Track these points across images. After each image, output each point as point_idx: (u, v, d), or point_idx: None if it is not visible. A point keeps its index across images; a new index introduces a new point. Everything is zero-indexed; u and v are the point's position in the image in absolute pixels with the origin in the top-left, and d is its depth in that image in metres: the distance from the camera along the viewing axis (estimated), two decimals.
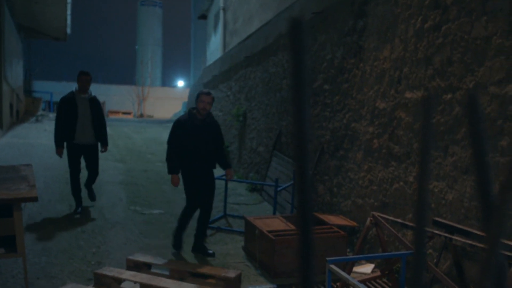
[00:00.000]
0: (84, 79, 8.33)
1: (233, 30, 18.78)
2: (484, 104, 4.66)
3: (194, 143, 6.63)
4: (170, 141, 6.74)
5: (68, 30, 24.60)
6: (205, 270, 5.62)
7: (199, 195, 6.83)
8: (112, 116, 39.35)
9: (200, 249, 6.84)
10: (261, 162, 11.48)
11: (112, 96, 45.79)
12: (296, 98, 0.51)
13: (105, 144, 8.70)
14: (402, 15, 6.16)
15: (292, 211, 8.43)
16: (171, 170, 6.74)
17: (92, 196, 8.98)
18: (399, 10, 6.23)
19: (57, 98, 43.14)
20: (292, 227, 6.60)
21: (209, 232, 8.02)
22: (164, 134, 23.48)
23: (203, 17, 26.20)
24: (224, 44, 19.85)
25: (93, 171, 8.70)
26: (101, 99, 42.10)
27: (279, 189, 8.21)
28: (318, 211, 7.81)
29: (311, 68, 8.89)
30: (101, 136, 8.59)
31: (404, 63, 6.05)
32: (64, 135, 8.30)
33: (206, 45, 26.13)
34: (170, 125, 27.23)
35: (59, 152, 8.38)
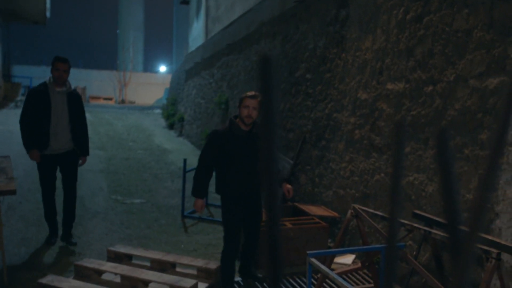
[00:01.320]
0: (61, 68, 6.24)
1: (216, 16, 18.66)
2: (465, 97, 4.68)
3: (237, 161, 5.11)
4: (203, 157, 5.22)
5: (48, 14, 24.31)
6: (187, 261, 5.61)
7: (242, 228, 5.48)
8: (93, 102, 39.09)
9: (248, 275, 5.76)
10: None
11: (93, 82, 45.34)
12: (267, 131, 0.50)
13: (85, 154, 6.69)
14: (384, 6, 6.15)
15: None
16: (196, 192, 5.28)
17: (69, 239, 6.64)
18: (381, 1, 6.22)
19: (37, 82, 42.57)
20: None
21: (190, 222, 8.02)
22: (145, 121, 23.39)
23: (185, 2, 26.01)
24: (207, 31, 19.73)
25: (70, 190, 6.61)
26: (82, 84, 41.83)
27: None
28: (300, 202, 7.83)
29: (293, 57, 8.87)
30: (81, 143, 6.57)
31: (386, 54, 6.05)
32: (33, 140, 6.27)
33: (188, 31, 25.95)
34: (152, 111, 27.07)
35: (34, 156, 6.30)
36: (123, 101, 43.85)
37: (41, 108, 6.19)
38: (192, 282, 5.02)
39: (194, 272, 5.50)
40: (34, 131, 6.24)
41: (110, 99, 43.45)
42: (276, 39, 9.82)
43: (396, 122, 0.56)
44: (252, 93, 5.10)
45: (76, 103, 6.50)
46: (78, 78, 39.65)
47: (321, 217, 6.67)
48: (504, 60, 4.24)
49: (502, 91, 4.23)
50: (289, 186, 5.57)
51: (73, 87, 6.56)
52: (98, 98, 42.36)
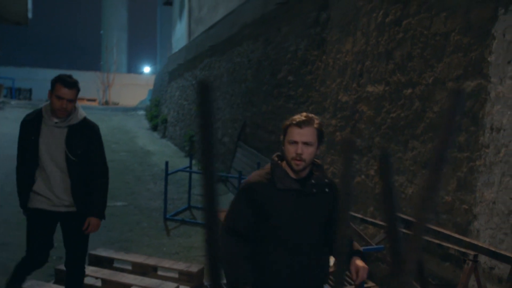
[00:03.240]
0: (66, 95, 4.13)
1: (198, 17, 18.64)
2: (443, 99, 4.72)
3: (284, 233, 2.96)
4: (231, 221, 3.04)
5: (30, 14, 24.08)
6: (168, 264, 5.60)
7: None
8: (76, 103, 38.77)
9: None
10: (226, 152, 11.46)
11: None
12: (205, 154, 0.51)
13: (92, 214, 4.37)
14: (364, 9, 6.18)
15: None
16: (236, 280, 2.92)
17: None
18: (361, 3, 6.26)
19: (20, 84, 42.56)
20: None
21: (172, 224, 8.00)
22: (129, 122, 23.28)
23: (169, 3, 25.98)
24: (189, 32, 19.70)
25: (74, 267, 4.55)
26: None
27: (243, 180, 8.21)
28: None
29: (275, 59, 8.88)
30: (86, 200, 4.34)
31: (365, 57, 6.09)
32: (21, 189, 4.41)
33: (171, 32, 25.90)
34: (136, 113, 26.64)
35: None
36: (106, 103, 43.66)
37: (29, 144, 4.27)
38: (173, 285, 5.02)
39: (176, 275, 5.49)
40: (23, 177, 4.40)
41: (94, 100, 43.24)
42: (258, 41, 9.84)
43: (345, 139, 0.58)
44: (302, 117, 2.93)
45: (84, 140, 4.31)
46: None
47: None
48: (480, 63, 4.28)
49: (479, 94, 4.28)
50: (361, 264, 2.88)
51: (82, 115, 4.38)
52: (81, 99, 42.07)
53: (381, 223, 5.03)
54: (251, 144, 9.86)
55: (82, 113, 4.36)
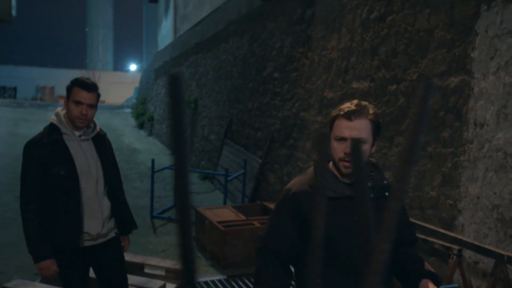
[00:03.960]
0: (86, 99, 3.46)
1: (184, 15, 18.58)
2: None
3: (340, 246, 2.33)
4: (270, 240, 2.50)
5: (14, 12, 23.89)
6: (155, 262, 5.59)
7: None
8: (62, 102, 38.61)
9: None
10: (212, 150, 11.45)
11: (62, 81, 44.56)
12: (176, 150, 0.51)
13: (129, 229, 3.88)
14: (349, 5, 6.20)
15: (243, 200, 8.46)
16: None
17: None
18: (346, 0, 6.27)
19: (5, 82, 42.20)
20: (243, 217, 6.63)
21: (159, 222, 7.99)
22: (115, 120, 23.17)
23: (154, 0, 25.85)
24: (175, 29, 19.64)
25: None
26: (50, 83, 41.31)
27: (229, 178, 8.22)
28: (268, 200, 7.85)
29: (260, 56, 8.88)
30: (124, 216, 3.78)
31: (351, 53, 6.11)
32: (49, 230, 3.40)
33: (157, 29, 25.80)
34: (122, 111, 26.77)
35: (47, 269, 3.44)
36: None
37: (58, 172, 3.37)
38: (160, 283, 5.01)
39: (163, 273, 5.48)
40: (48, 221, 3.39)
41: None
42: (244, 37, 9.83)
43: (320, 132, 0.58)
44: (353, 106, 2.33)
45: (108, 153, 3.70)
46: (46, 77, 39.17)
47: None
48: (464, 59, 4.31)
49: (463, 90, 4.31)
50: None
51: (98, 126, 3.68)
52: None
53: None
54: (238, 141, 9.86)
55: (96, 122, 3.66)
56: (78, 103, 3.39)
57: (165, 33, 22.22)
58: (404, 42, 5.13)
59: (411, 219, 4.63)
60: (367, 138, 2.28)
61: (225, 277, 5.82)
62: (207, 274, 5.87)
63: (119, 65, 64.49)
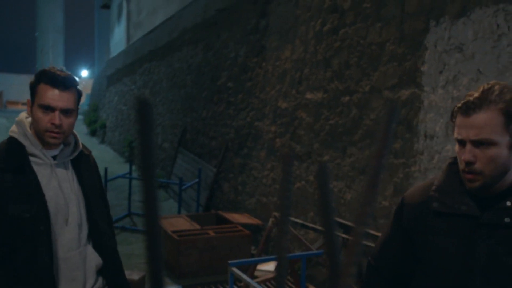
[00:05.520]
0: (59, 98, 2.24)
1: (137, 22, 18.45)
2: (379, 107, 4.86)
3: (445, 282, 1.69)
4: (375, 257, 1.97)
5: None
6: None
7: None
8: (11, 107, 37.78)
9: None
10: (166, 158, 11.39)
11: (10, 86, 43.82)
12: (145, 173, 0.53)
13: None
14: (302, 17, 6.28)
15: (197, 209, 8.44)
16: None
17: None
18: (299, 12, 6.35)
19: None
20: (197, 226, 6.62)
21: None
22: None
23: (106, 6, 25.56)
24: (128, 36, 19.47)
25: None
26: None
27: (183, 187, 8.19)
28: (223, 209, 7.86)
29: (215, 65, 8.90)
30: (113, 274, 2.51)
31: (304, 64, 6.19)
32: None
33: (109, 35, 25.51)
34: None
35: None
36: None
37: (22, 217, 2.18)
38: None
39: None
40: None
41: None
42: (198, 46, 9.83)
43: (284, 153, 0.61)
44: (475, 95, 1.61)
45: (94, 180, 2.55)
46: None
47: (245, 225, 6.73)
48: (414, 72, 4.43)
49: (413, 102, 4.43)
50: None
51: (79, 141, 2.55)
52: (16, 103, 40.95)
53: (321, 228, 5.12)
54: (192, 150, 9.84)
55: (76, 138, 2.52)
56: (47, 108, 2.23)
57: (118, 39, 22.00)
58: (356, 54, 5.23)
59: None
60: (495, 137, 1.56)
61: (180, 287, 5.79)
62: None
63: (70, 71, 63.05)
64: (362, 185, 5.07)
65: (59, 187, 2.30)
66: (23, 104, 41.26)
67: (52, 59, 53.54)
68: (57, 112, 2.22)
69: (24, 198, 2.18)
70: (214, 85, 8.89)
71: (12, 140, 2.27)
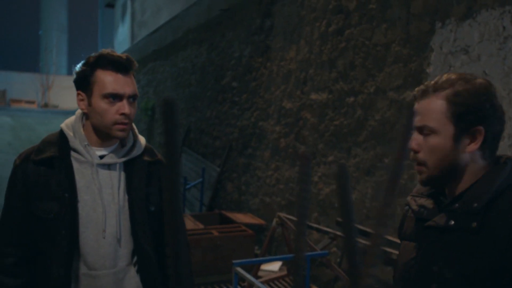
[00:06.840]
0: (124, 85, 1.98)
1: (141, 21, 18.47)
2: (384, 108, 4.86)
3: None
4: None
5: None
6: None
7: None
8: (14, 106, 37.87)
9: None
10: None
11: (14, 84, 43.91)
12: (170, 174, 0.54)
13: None
14: (307, 17, 6.29)
15: (201, 208, 8.45)
16: None
17: None
18: (304, 12, 6.36)
19: None
20: (201, 226, 6.62)
21: None
22: None
23: (110, 5, 25.60)
24: (132, 36, 19.50)
25: None
26: (1, 86, 40.39)
27: (187, 187, 8.20)
28: (226, 209, 7.87)
29: (219, 64, 8.92)
30: None
31: (309, 65, 6.19)
32: None
33: (113, 34, 25.55)
34: None
35: None
36: (46, 105, 42.63)
37: (46, 216, 1.93)
38: None
39: None
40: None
41: (33, 102, 42.16)
42: (203, 46, 9.85)
43: (302, 154, 0.61)
44: (434, 81, 1.58)
45: (155, 187, 2.12)
46: None
47: (248, 225, 6.74)
48: (419, 74, 4.43)
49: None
50: None
51: (142, 139, 2.20)
52: (19, 101, 41.03)
53: (325, 229, 5.13)
54: (196, 149, 9.86)
55: (137, 138, 2.18)
56: (115, 97, 1.96)
57: (122, 39, 22.03)
58: (361, 55, 5.24)
59: (368, 229, 4.73)
60: (436, 125, 1.50)
61: None
62: None
63: (73, 70, 63.45)
64: (366, 186, 5.08)
65: (98, 192, 1.97)
66: (26, 102, 41.38)
67: (56, 57, 53.63)
68: (125, 100, 1.97)
69: (52, 196, 1.92)
70: (218, 85, 8.90)
71: (59, 133, 2.04)
